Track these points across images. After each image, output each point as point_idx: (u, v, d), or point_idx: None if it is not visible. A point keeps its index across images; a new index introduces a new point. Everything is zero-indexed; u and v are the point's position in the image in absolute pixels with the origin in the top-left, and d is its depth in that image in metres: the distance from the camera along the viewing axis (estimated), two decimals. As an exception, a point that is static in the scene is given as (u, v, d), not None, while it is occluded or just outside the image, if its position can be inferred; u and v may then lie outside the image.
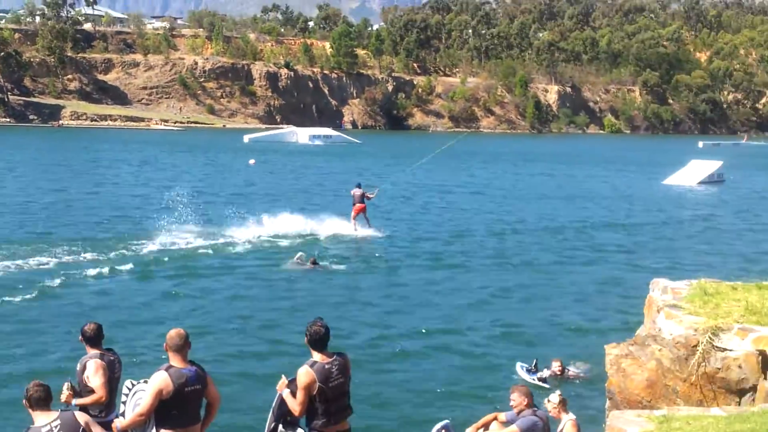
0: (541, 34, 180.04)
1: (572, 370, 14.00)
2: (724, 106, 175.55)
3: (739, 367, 7.77)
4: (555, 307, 18.95)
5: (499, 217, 35.02)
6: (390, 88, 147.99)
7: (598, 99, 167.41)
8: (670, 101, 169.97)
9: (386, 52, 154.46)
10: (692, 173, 52.58)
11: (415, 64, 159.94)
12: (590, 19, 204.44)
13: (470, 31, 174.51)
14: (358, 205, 29.02)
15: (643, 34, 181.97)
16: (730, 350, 7.83)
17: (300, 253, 22.99)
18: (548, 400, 8.80)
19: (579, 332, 16.88)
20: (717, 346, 7.94)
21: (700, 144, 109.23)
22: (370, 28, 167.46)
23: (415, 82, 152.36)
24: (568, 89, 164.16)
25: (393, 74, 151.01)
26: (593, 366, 13.47)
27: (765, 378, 7.63)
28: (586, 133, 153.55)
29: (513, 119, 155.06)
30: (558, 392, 9.04)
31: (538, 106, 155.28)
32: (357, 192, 29.23)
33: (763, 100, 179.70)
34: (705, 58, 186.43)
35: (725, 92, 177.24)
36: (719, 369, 7.94)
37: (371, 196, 29.61)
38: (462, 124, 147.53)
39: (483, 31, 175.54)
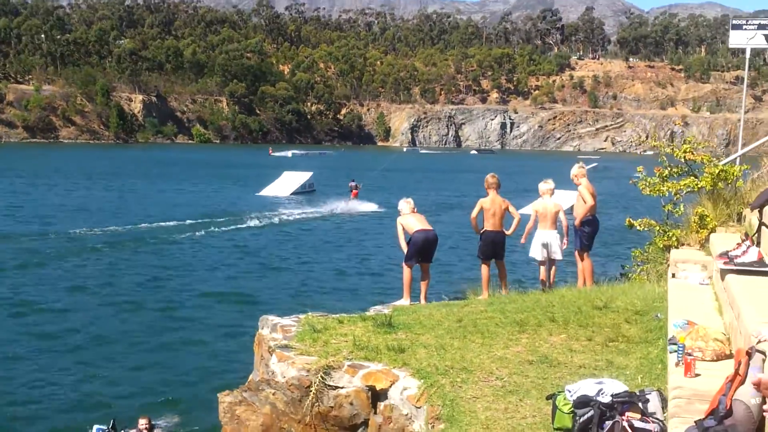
0: (121, 42, 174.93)
1: (162, 425, 12.51)
2: (309, 116, 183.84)
3: (351, 404, 7.88)
4: (156, 358, 15.98)
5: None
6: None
7: (185, 109, 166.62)
8: (258, 111, 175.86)
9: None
10: (285, 184, 54.11)
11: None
12: (172, 28, 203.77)
13: (43, 36, 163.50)
14: None
15: (228, 45, 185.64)
16: (341, 387, 7.90)
17: None
18: None
19: (186, 382, 14.83)
20: (329, 385, 7.92)
21: (289, 153, 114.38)
22: None
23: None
24: (154, 98, 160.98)
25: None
26: (204, 415, 12.36)
27: (375, 413, 7.79)
28: (175, 143, 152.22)
29: (96, 129, 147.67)
30: None
31: (122, 115, 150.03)
32: None
33: (343, 111, 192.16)
34: (288, 71, 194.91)
35: (309, 103, 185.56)
36: (332, 407, 7.99)
37: None
38: (39, 134, 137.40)
39: (58, 37, 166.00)
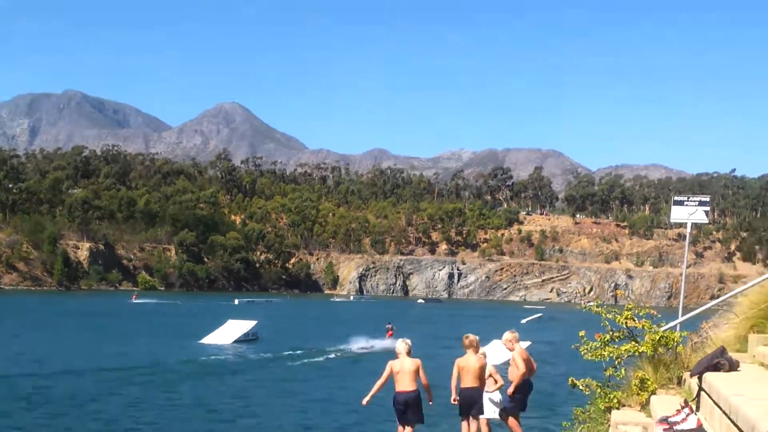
0: (74, 191, 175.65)
1: None
2: (257, 265, 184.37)
3: None
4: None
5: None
6: None
7: (132, 257, 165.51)
8: (206, 260, 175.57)
9: None
10: (228, 332, 53.43)
11: None
12: (127, 179, 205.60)
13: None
14: None
15: (181, 196, 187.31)
16: None
17: None
18: None
19: None
20: None
21: (236, 301, 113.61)
22: None
23: None
24: (101, 246, 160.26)
25: None
26: None
27: None
28: (119, 289, 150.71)
29: (38, 275, 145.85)
30: None
31: (67, 262, 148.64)
32: None
33: (292, 260, 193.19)
34: (240, 221, 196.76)
35: (258, 252, 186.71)
36: None
37: None
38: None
39: (10, 186, 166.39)
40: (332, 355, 46.01)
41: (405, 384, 11.55)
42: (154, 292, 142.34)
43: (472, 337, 11.97)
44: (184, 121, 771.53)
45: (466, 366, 11.65)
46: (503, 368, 12.57)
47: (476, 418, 11.80)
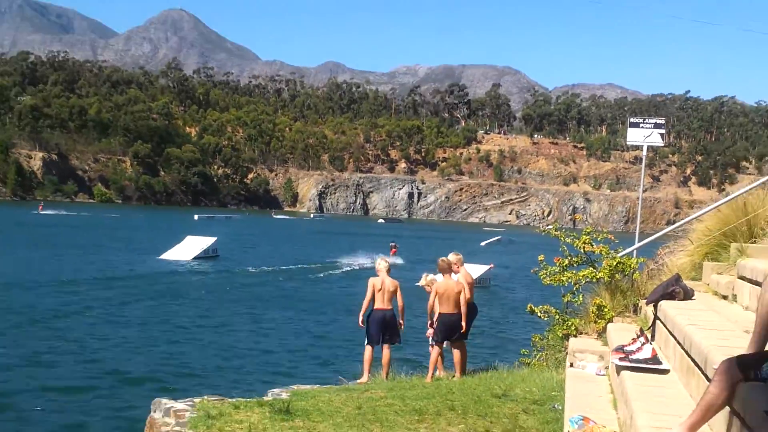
0: (23, 98, 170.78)
1: None
2: (215, 179, 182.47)
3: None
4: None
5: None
6: None
7: (87, 168, 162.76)
8: (162, 173, 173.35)
9: None
10: (187, 248, 53.19)
11: None
12: (76, 86, 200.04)
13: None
14: None
15: (133, 106, 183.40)
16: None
17: None
18: None
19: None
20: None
21: (195, 217, 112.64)
22: None
23: None
24: (54, 156, 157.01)
25: None
26: None
27: None
28: (75, 201, 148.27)
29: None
30: None
31: (21, 172, 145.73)
32: None
33: (251, 176, 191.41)
34: (195, 133, 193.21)
35: (215, 166, 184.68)
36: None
37: None
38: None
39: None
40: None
41: (383, 302, 11.60)
42: (78, 204, 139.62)
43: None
44: (130, 27, 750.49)
45: (445, 291, 11.40)
46: None
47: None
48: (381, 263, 11.96)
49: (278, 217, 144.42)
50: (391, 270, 12.08)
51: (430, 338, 11.77)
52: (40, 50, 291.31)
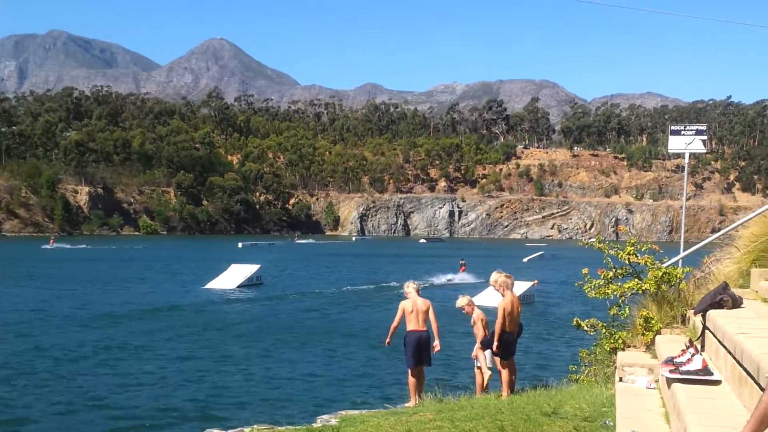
0: (68, 134, 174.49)
1: None
2: (257, 206, 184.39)
3: None
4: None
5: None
6: None
7: (132, 200, 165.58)
8: (205, 202, 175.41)
9: None
10: (232, 277, 53.41)
11: None
12: (119, 119, 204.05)
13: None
14: None
15: (176, 136, 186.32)
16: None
17: None
18: None
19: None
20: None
21: (240, 245, 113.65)
22: None
23: None
24: (100, 190, 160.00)
25: None
26: None
27: None
28: (121, 234, 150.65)
29: (40, 221, 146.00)
30: None
31: (67, 207, 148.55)
32: None
33: (292, 201, 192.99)
34: (237, 161, 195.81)
35: (257, 193, 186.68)
36: None
37: None
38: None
39: (3, 129, 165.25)
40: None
41: (417, 324, 11.57)
42: (111, 237, 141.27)
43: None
44: (172, 59, 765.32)
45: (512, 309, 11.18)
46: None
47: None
48: (409, 285, 11.99)
49: (301, 242, 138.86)
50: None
51: (476, 360, 11.66)
52: (84, 85, 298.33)
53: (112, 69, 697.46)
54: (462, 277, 56.53)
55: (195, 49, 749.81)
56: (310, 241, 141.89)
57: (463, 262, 63.73)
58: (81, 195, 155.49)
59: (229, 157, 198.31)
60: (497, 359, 11.41)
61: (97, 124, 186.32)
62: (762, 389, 4.20)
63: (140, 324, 33.29)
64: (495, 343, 11.16)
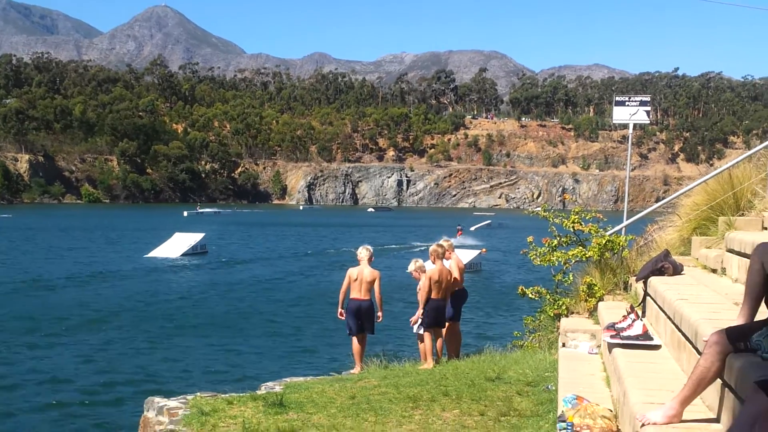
0: (7, 101, 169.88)
1: None
2: (203, 175, 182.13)
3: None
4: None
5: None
6: None
7: (74, 168, 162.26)
8: (149, 171, 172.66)
9: None
10: (175, 245, 53.00)
11: None
12: (61, 87, 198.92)
13: None
14: None
15: (119, 104, 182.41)
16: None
17: None
18: None
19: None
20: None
21: (185, 213, 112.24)
22: None
23: None
24: (41, 158, 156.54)
25: None
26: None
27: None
28: (62, 203, 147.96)
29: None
30: None
31: (7, 175, 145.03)
32: None
33: (239, 170, 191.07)
34: (181, 130, 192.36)
35: (203, 162, 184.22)
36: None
37: None
38: None
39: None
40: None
41: (359, 292, 11.41)
42: (53, 206, 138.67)
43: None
44: (115, 26, 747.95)
45: (439, 277, 11.20)
46: None
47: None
48: (362, 252, 11.63)
49: (204, 210, 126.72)
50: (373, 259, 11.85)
51: (415, 326, 11.58)
52: (24, 52, 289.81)
53: (53, 36, 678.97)
54: (460, 242, 57.36)
55: (138, 16, 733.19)
56: (215, 210, 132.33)
57: (459, 227, 66.19)
58: (21, 163, 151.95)
59: (173, 125, 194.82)
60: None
61: (37, 92, 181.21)
62: (699, 353, 4.27)
63: (79, 293, 32.80)
64: (419, 311, 11.23)
